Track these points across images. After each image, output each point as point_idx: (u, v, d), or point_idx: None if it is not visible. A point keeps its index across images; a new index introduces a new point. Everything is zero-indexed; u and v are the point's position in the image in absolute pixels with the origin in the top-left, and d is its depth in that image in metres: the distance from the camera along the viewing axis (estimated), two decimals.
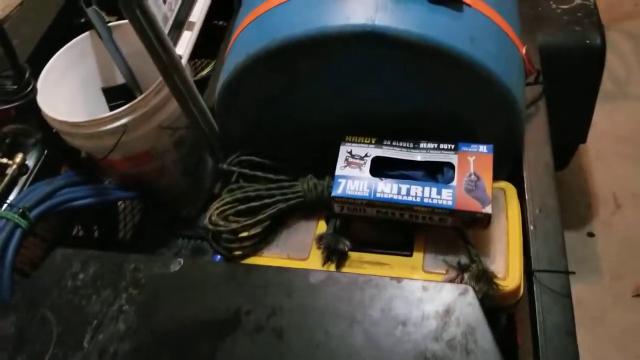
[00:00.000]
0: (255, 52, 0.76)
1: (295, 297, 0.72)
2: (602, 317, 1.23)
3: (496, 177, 0.82)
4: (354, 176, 0.78)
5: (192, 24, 0.94)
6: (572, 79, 1.05)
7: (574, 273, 0.70)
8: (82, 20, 1.20)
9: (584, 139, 1.20)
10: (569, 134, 1.18)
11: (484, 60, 0.72)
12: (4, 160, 0.99)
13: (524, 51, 0.83)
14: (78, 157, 1.09)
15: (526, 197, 0.82)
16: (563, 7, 1.06)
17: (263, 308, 0.72)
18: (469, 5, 0.74)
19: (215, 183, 1.18)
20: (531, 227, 0.78)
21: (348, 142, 0.81)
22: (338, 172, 0.79)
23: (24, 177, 1.00)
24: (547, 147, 0.87)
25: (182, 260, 0.80)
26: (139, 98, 0.92)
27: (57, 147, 1.04)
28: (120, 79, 1.11)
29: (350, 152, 0.80)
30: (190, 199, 1.16)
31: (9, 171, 0.98)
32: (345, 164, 0.79)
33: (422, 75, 0.75)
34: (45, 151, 1.03)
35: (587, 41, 1.01)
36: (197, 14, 0.95)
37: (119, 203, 1.17)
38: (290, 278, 0.75)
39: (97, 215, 1.11)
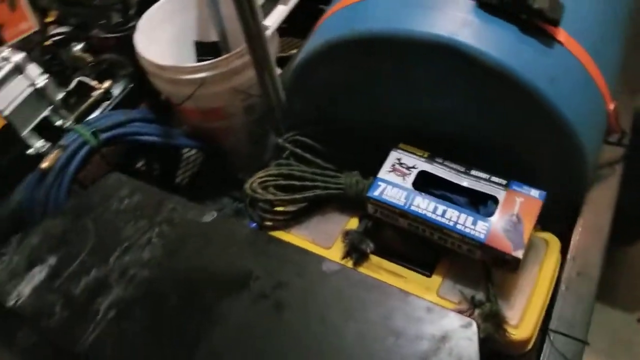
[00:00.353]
0: (333, 39, 0.78)
1: (304, 279, 0.74)
2: None
3: (546, 229, 0.79)
4: (396, 183, 0.78)
5: (288, 0, 0.97)
6: None
7: (588, 344, 0.66)
8: None
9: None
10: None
11: (559, 104, 0.69)
12: (93, 83, 1.08)
13: (612, 106, 0.78)
14: (157, 98, 1.16)
15: (568, 256, 0.77)
16: None
17: (271, 279, 0.74)
18: (560, 43, 0.71)
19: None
20: (563, 287, 0.74)
21: (400, 149, 0.81)
22: (381, 175, 0.79)
23: (106, 103, 1.10)
24: (609, 214, 0.82)
25: (215, 214, 0.84)
26: (221, 57, 0.97)
27: (142, 84, 1.13)
28: (213, 37, 1.18)
29: (399, 160, 0.80)
30: (248, 166, 1.20)
31: (95, 94, 1.08)
32: (391, 170, 0.79)
33: (491, 101, 0.73)
34: (131, 85, 1.12)
35: None
36: None
37: (184, 151, 1.24)
38: (305, 260, 0.76)
39: (162, 155, 1.18)
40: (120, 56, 1.13)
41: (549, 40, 0.70)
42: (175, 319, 0.74)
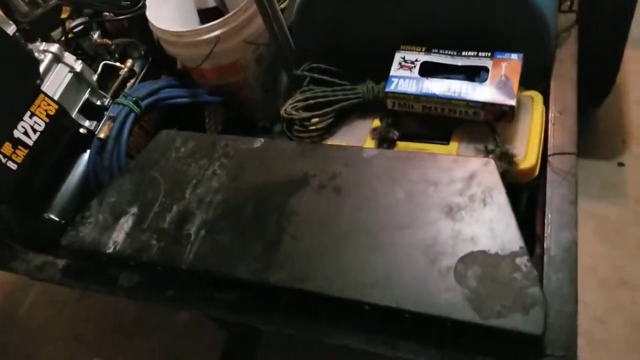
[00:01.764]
0: None
1: (351, 166, 0.91)
2: (622, 233, 1.36)
3: (530, 88, 0.98)
4: (405, 76, 0.95)
5: None
6: (607, 11, 1.16)
7: (577, 154, 0.85)
8: None
9: (616, 69, 1.31)
10: (600, 62, 1.29)
11: None
12: (118, 64, 1.22)
13: None
14: (175, 67, 1.30)
15: (550, 100, 0.96)
16: None
17: (325, 173, 0.91)
18: None
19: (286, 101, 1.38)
20: (551, 124, 0.93)
21: (402, 50, 0.98)
22: (392, 72, 0.96)
23: (132, 80, 1.24)
24: (574, 66, 1.01)
25: (262, 140, 1.01)
26: (230, 14, 1.12)
27: (160, 57, 1.27)
28: (211, 3, 1.32)
29: (403, 58, 0.97)
30: (264, 112, 1.36)
31: (121, 72, 1.21)
32: (399, 67, 0.97)
33: None
34: (150, 59, 1.26)
35: None
36: None
37: (205, 113, 1.38)
38: (348, 153, 0.94)
39: (188, 118, 1.32)
40: (132, 38, 1.26)
41: None
42: (255, 222, 0.91)
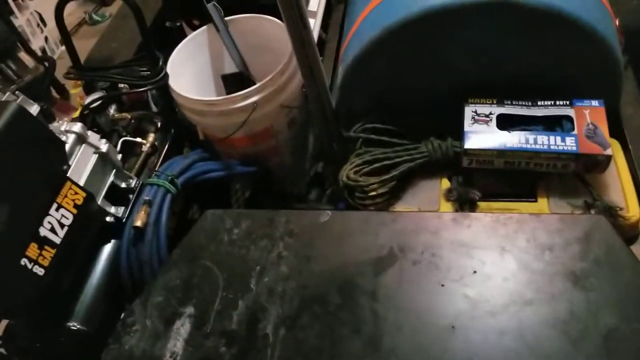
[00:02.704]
0: (393, 24, 0.87)
1: (443, 234, 0.81)
2: None
3: None
4: (483, 131, 0.88)
5: (314, 12, 1.05)
6: None
7: None
8: (177, 24, 1.33)
9: None
10: None
11: (597, 26, 0.83)
12: (139, 140, 1.09)
13: (617, 22, 0.94)
14: (197, 139, 1.18)
15: (630, 148, 0.92)
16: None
17: (414, 245, 0.81)
18: None
19: (314, 164, 1.28)
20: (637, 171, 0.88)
21: (471, 103, 0.91)
22: (467, 128, 0.89)
23: (153, 157, 1.11)
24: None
25: (329, 212, 0.89)
26: (268, 78, 1.03)
27: (180, 130, 1.15)
28: (228, 69, 1.22)
29: (475, 112, 0.90)
30: (293, 178, 1.25)
31: (144, 148, 1.08)
32: (473, 122, 0.90)
33: (541, 38, 0.86)
34: (172, 131, 1.13)
35: None
36: (316, 5, 1.06)
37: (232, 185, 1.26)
38: (434, 219, 0.84)
39: (213, 193, 1.20)
40: (147, 111, 1.14)
41: None
42: (345, 312, 0.78)
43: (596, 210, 0.82)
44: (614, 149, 0.92)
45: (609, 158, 0.83)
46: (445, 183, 0.95)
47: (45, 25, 2.33)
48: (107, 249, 0.98)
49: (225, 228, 0.93)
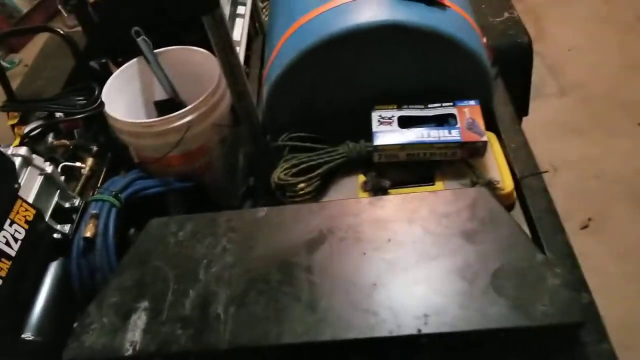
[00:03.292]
0: (306, 48, 1.04)
1: (363, 215, 0.97)
2: None
3: None
4: (387, 130, 1.06)
5: (238, 41, 1.21)
6: (513, 67, 1.42)
7: (547, 172, 1.02)
8: (102, 60, 1.43)
9: (526, 112, 1.58)
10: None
11: (469, 43, 1.05)
12: (78, 164, 1.16)
13: (484, 40, 1.19)
14: (132, 162, 1.27)
15: (503, 139, 1.14)
16: (498, 19, 1.46)
17: (341, 226, 0.95)
18: (448, 7, 1.08)
19: (246, 179, 1.40)
20: (512, 155, 1.10)
21: (377, 109, 1.10)
22: (375, 129, 1.07)
23: (93, 179, 1.18)
24: (510, 107, 1.21)
25: (266, 209, 1.02)
26: (200, 99, 1.16)
27: (118, 154, 1.24)
28: (159, 97, 1.34)
29: (380, 116, 1.09)
30: (228, 192, 1.36)
31: (83, 172, 1.16)
32: (379, 124, 1.08)
33: (427, 55, 1.06)
34: (109, 155, 1.22)
35: (519, 40, 1.41)
36: (239, 35, 1.22)
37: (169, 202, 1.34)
38: (355, 204, 0.99)
39: (149, 214, 1.27)
40: (82, 139, 1.22)
41: (443, 6, 1.07)
42: (286, 286, 0.90)
43: (480, 185, 1.01)
44: (491, 139, 1.14)
45: (485, 144, 1.04)
46: (362, 178, 1.11)
47: None
48: (56, 264, 1.03)
49: (171, 232, 1.02)
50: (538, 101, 2.05)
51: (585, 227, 1.60)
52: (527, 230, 1.01)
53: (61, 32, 1.11)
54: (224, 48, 1.04)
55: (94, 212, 1.03)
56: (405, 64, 1.08)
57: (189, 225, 1.02)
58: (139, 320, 0.89)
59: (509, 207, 1.05)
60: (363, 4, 1.05)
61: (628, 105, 1.97)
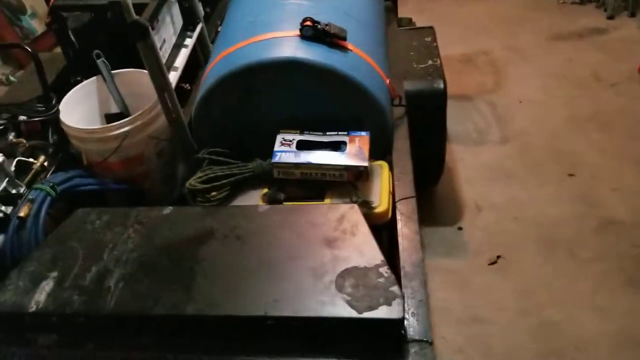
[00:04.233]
0: (223, 75, 1.24)
1: (249, 219, 1.13)
2: (468, 280, 1.69)
3: (378, 158, 1.31)
4: (286, 150, 1.24)
5: (177, 67, 1.41)
6: (428, 109, 1.59)
7: (414, 197, 1.17)
8: (78, 78, 1.65)
9: (443, 155, 1.74)
10: (430, 149, 1.71)
11: (362, 81, 1.23)
12: (31, 160, 1.36)
13: (387, 81, 1.37)
14: (81, 163, 1.46)
15: (394, 167, 1.30)
16: (421, 66, 1.65)
17: (227, 226, 1.12)
18: (350, 50, 1.27)
19: (181, 188, 1.58)
20: (396, 182, 1.26)
21: (282, 132, 1.28)
22: (276, 149, 1.24)
23: (43, 174, 1.38)
24: (407, 142, 1.37)
25: (171, 207, 1.19)
26: (138, 113, 1.35)
27: (67, 155, 1.43)
28: (113, 110, 1.54)
29: (283, 138, 1.26)
30: (164, 200, 1.54)
31: (34, 167, 1.35)
32: (280, 145, 1.25)
33: (324, 89, 1.25)
34: (60, 155, 1.41)
35: (435, 85, 1.58)
36: (180, 63, 1.43)
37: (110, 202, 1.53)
38: (245, 210, 1.17)
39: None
40: (40, 141, 1.42)
41: (345, 49, 1.26)
42: (170, 270, 1.06)
43: (357, 203, 1.17)
44: (384, 168, 1.30)
45: (366, 169, 1.20)
46: (265, 191, 1.28)
47: None
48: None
49: (90, 220, 1.20)
50: (480, 146, 2.21)
51: (494, 263, 1.72)
52: (403, 244, 1.14)
53: (29, 49, 1.33)
54: (154, 70, 1.24)
55: (31, 197, 1.21)
56: (307, 96, 1.26)
57: (106, 217, 1.20)
58: (47, 286, 1.06)
59: (384, 224, 1.20)
60: (276, 42, 1.25)
61: (563, 156, 2.11)
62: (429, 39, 1.75)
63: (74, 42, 1.66)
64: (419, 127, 1.61)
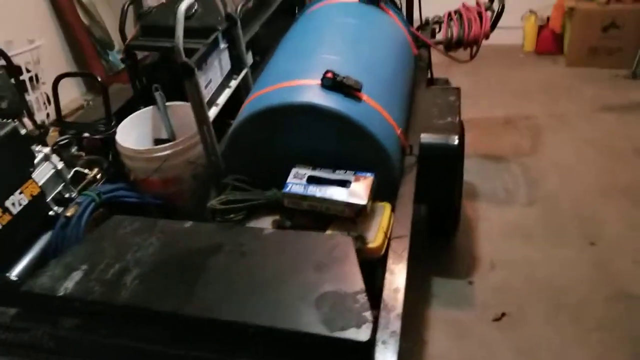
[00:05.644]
0: (252, 112, 1.43)
1: (254, 239, 1.28)
2: (469, 332, 1.72)
3: (384, 200, 1.43)
4: (297, 182, 1.39)
5: (218, 104, 1.62)
6: (442, 163, 1.70)
7: (405, 236, 1.27)
8: (141, 106, 1.91)
9: (457, 209, 1.82)
10: (444, 202, 1.79)
11: (369, 127, 1.38)
12: (86, 170, 1.60)
13: (399, 131, 1.50)
14: (128, 179, 1.69)
15: (396, 209, 1.41)
16: (440, 122, 1.77)
17: (235, 243, 1.27)
18: (364, 101, 1.43)
19: None
20: (395, 223, 1.37)
21: (297, 166, 1.43)
22: (289, 180, 1.40)
23: (95, 184, 1.61)
24: (412, 189, 1.48)
25: (191, 222, 1.37)
26: (178, 141, 1.56)
27: (119, 170, 1.66)
28: (165, 135, 1.77)
29: (297, 172, 1.42)
30: (195, 217, 1.72)
31: (88, 177, 1.59)
32: (293, 177, 1.40)
33: (336, 132, 1.40)
34: (111, 170, 1.65)
35: (449, 140, 1.69)
36: (221, 100, 1.64)
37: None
38: (252, 230, 1.32)
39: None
40: (99, 156, 1.66)
41: (358, 99, 1.41)
42: (178, 274, 1.22)
43: (351, 237, 1.29)
44: (385, 208, 1.41)
45: (364, 207, 1.32)
46: (277, 217, 1.43)
47: (50, 104, 2.98)
48: (45, 234, 1.43)
49: (123, 225, 1.39)
50: (505, 206, 2.26)
51: (498, 319, 1.74)
52: (389, 278, 1.24)
53: (97, 78, 1.60)
54: (196, 104, 1.45)
55: (78, 201, 1.43)
56: (321, 136, 1.42)
57: (137, 224, 1.39)
58: (77, 276, 1.25)
59: (377, 259, 1.30)
60: (299, 89, 1.43)
61: (587, 224, 2.10)
62: (452, 98, 1.87)
63: (141, 76, 1.95)
64: (433, 180, 1.72)
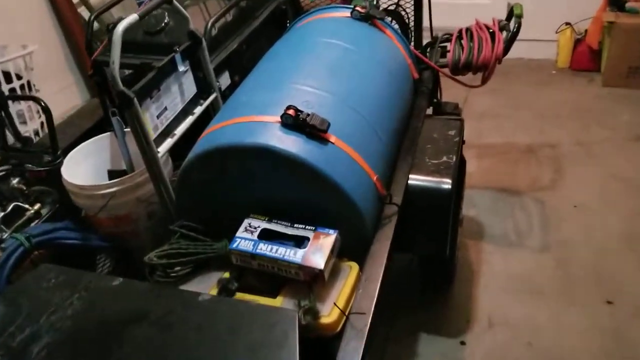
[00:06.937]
0: (200, 152, 1.23)
1: (187, 307, 1.08)
2: None
3: (351, 260, 1.21)
4: (247, 238, 1.18)
5: (175, 134, 1.43)
6: (430, 210, 1.46)
7: (364, 313, 1.05)
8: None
9: (450, 261, 1.57)
10: (434, 254, 1.55)
11: (334, 175, 1.16)
12: (26, 206, 1.43)
13: (374, 178, 1.27)
14: (79, 215, 1.51)
15: (363, 272, 1.19)
16: (433, 161, 1.53)
17: (162, 310, 1.07)
18: (331, 142, 1.21)
19: None
20: (360, 290, 1.14)
21: (251, 217, 1.22)
22: (238, 234, 1.19)
23: (36, 221, 1.44)
24: (387, 246, 1.25)
25: (121, 279, 1.17)
26: (127, 176, 1.38)
27: (66, 205, 1.49)
28: (121, 166, 1.59)
29: (249, 224, 1.21)
30: None
31: (28, 214, 1.42)
32: (244, 230, 1.20)
33: (294, 179, 1.18)
34: (57, 206, 1.47)
35: (441, 185, 1.45)
36: (180, 130, 1.45)
37: (98, 257, 1.55)
38: (186, 295, 1.11)
39: (81, 259, 1.49)
40: (47, 186, 1.50)
41: (324, 141, 1.20)
42: (91, 347, 1.03)
43: (302, 310, 1.07)
44: (352, 270, 1.19)
45: (322, 272, 1.10)
46: (226, 275, 1.22)
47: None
48: None
49: (48, 278, 1.21)
50: (514, 251, 1.99)
51: None
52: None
53: (41, 101, 1.44)
54: (138, 138, 1.27)
55: (3, 246, 1.26)
56: (278, 184, 1.21)
57: (62, 277, 1.21)
58: None
59: (334, 335, 1.08)
60: (254, 126, 1.22)
61: (606, 279, 1.82)
62: (452, 132, 1.63)
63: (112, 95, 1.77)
64: (422, 229, 1.49)
